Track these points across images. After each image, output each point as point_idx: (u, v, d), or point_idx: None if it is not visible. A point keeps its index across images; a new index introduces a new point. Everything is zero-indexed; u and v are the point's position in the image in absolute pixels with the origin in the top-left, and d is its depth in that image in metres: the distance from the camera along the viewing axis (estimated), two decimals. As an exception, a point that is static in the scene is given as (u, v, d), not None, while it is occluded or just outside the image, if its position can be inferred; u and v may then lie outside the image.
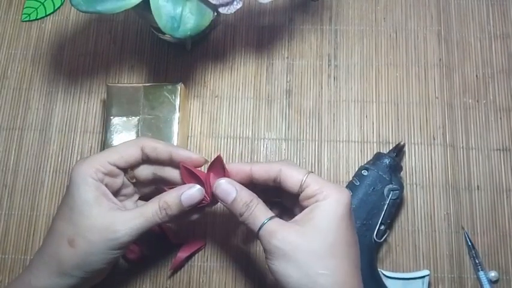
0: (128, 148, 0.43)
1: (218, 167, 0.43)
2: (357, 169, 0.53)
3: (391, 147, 0.54)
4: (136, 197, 0.46)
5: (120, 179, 0.44)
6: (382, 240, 0.49)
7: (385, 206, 0.49)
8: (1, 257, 0.52)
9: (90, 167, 0.41)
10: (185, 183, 0.43)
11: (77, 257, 0.40)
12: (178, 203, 0.42)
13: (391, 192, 0.49)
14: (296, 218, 0.40)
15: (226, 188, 0.42)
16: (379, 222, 0.49)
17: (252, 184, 0.43)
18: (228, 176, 0.43)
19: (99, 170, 0.41)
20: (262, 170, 0.42)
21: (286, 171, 0.41)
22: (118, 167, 0.43)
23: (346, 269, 0.38)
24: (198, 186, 0.42)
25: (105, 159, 0.42)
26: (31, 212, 0.54)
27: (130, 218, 0.40)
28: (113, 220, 0.40)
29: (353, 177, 0.51)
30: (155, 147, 0.43)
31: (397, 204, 0.51)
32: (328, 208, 0.39)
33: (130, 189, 0.46)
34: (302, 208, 0.40)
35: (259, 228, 0.39)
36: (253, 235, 0.41)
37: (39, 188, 0.54)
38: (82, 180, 0.40)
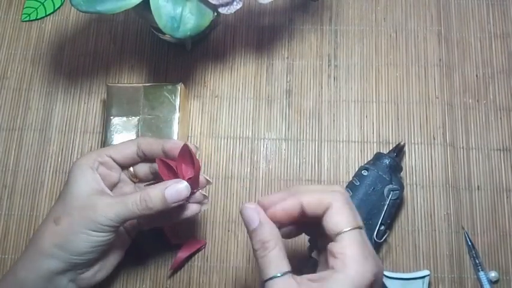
0: (125, 144, 0.46)
1: (186, 156, 0.43)
2: (357, 169, 0.53)
3: (391, 147, 0.54)
4: None
5: (116, 173, 0.45)
6: (382, 240, 0.49)
7: (385, 206, 0.49)
8: (1, 257, 0.52)
9: (88, 158, 0.44)
10: (161, 176, 0.44)
11: (58, 234, 0.41)
12: (162, 197, 0.41)
13: (391, 192, 0.49)
14: (313, 277, 0.35)
15: (250, 216, 0.37)
16: (379, 223, 0.49)
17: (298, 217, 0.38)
18: (198, 166, 0.43)
19: (96, 160, 0.44)
20: (313, 203, 0.37)
21: (331, 215, 0.36)
22: (114, 160, 0.45)
23: None
24: (185, 183, 0.42)
25: (102, 152, 0.44)
26: (31, 212, 0.54)
27: (112, 202, 0.41)
28: (95, 202, 0.41)
29: (353, 177, 0.51)
30: (149, 142, 0.45)
31: (397, 205, 0.51)
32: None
33: (131, 187, 0.47)
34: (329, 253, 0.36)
35: (266, 280, 0.35)
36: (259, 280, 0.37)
37: (39, 188, 0.54)
38: (78, 168, 0.43)
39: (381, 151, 0.54)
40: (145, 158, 0.46)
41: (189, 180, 0.43)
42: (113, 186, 0.45)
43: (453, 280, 0.51)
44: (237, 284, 0.51)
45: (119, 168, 0.46)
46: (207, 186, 0.49)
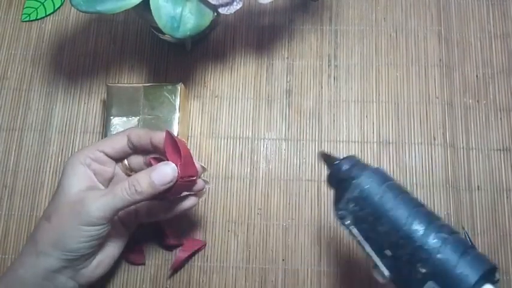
0: (115, 136, 0.46)
1: (172, 143, 0.43)
2: (357, 169, 0.52)
3: (391, 147, 0.54)
4: None
5: (110, 168, 0.45)
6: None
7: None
8: (1, 257, 0.52)
9: (80, 155, 0.44)
10: (165, 150, 0.43)
11: (51, 231, 0.41)
12: (149, 180, 0.41)
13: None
14: None
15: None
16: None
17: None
18: (186, 152, 0.42)
19: (87, 156, 0.44)
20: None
21: None
22: (106, 154, 0.45)
23: None
24: (172, 165, 0.42)
25: (94, 147, 0.44)
26: (31, 212, 0.54)
27: (101, 194, 0.41)
28: (85, 196, 0.41)
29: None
30: (138, 134, 0.45)
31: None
32: None
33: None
34: None
35: None
36: None
37: (39, 188, 0.54)
38: (70, 166, 0.43)
39: (381, 151, 0.54)
40: (137, 150, 0.45)
41: (180, 166, 0.42)
42: (108, 182, 0.46)
43: (453, 280, 0.51)
44: (237, 284, 0.51)
45: (113, 162, 0.46)
46: (207, 186, 0.48)
